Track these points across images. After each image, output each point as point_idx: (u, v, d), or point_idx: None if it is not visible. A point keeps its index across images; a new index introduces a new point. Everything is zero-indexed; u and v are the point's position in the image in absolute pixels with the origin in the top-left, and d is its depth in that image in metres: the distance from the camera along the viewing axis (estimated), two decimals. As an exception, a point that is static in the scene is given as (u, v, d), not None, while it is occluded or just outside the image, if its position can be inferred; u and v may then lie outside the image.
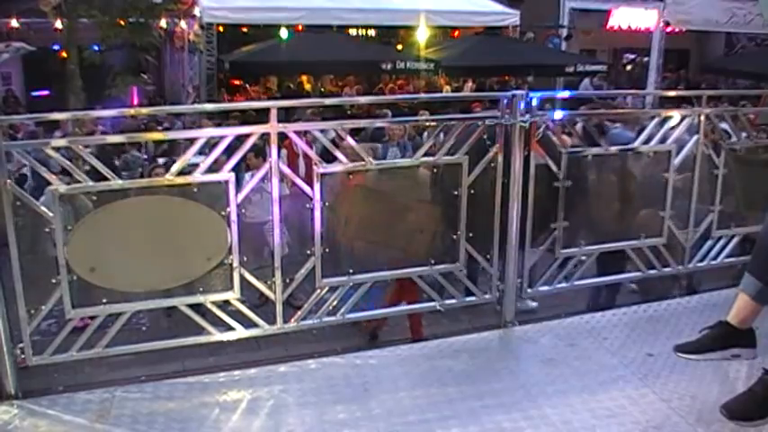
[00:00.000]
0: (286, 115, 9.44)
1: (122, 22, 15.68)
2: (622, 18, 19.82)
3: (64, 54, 16.18)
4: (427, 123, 5.16)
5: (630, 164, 4.55)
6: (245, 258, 3.63)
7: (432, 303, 4.21)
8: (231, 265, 3.60)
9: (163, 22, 17.56)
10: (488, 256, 4.12)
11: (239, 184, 3.63)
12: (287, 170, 3.77)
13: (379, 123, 11.18)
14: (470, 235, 4.02)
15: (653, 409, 3.32)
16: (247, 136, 3.66)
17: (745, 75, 17.50)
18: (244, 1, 16.53)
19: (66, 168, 3.49)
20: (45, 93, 19.28)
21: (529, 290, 4.30)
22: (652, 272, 4.70)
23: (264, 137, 3.66)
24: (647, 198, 4.60)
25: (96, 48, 15.75)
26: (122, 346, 3.66)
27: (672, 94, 8.36)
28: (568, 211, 4.25)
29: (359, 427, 3.24)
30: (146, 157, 11.70)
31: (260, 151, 4.80)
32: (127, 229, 3.45)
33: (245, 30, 18.62)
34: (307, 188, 3.71)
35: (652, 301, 4.57)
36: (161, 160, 10.15)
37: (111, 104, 14.65)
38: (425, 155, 3.99)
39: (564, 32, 20.67)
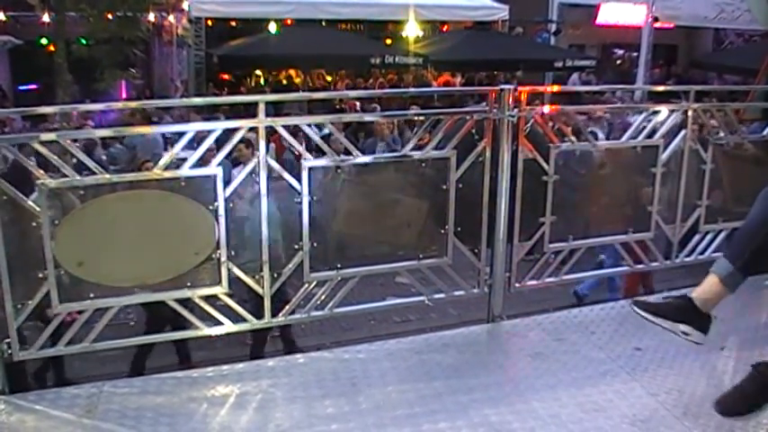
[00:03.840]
0: (275, 109, 9.45)
1: (110, 16, 15.65)
2: (611, 13, 19.87)
3: (51, 48, 16.13)
4: (416, 118, 5.14)
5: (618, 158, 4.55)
6: (232, 253, 3.61)
7: (420, 297, 4.20)
8: (219, 259, 3.59)
9: (151, 16, 17.54)
10: (477, 251, 4.12)
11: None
12: (275, 164, 3.75)
13: (368, 117, 11.22)
14: (458, 229, 4.01)
15: (641, 403, 3.33)
16: (235, 130, 3.66)
17: (733, 70, 17.55)
18: (232, -5, 16.50)
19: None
20: (33, 87, 19.16)
21: (517, 284, 4.30)
22: (639, 266, 4.72)
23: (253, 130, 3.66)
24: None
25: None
26: (110, 341, 3.64)
27: (660, 89, 8.40)
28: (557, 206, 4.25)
29: (347, 422, 3.23)
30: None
31: (250, 143, 4.79)
32: (114, 223, 3.42)
33: (233, 24, 18.60)
34: (294, 182, 3.70)
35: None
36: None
37: (101, 99, 14.62)
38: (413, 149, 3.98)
39: (553, 27, 20.72)
